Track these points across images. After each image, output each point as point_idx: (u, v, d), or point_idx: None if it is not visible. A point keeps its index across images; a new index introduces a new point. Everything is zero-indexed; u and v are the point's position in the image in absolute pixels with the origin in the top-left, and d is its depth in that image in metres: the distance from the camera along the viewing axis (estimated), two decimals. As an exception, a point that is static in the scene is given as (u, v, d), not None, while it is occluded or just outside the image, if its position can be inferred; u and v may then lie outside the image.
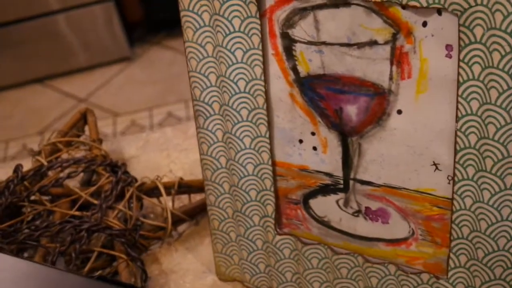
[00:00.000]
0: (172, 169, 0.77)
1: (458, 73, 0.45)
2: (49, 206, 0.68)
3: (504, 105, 0.44)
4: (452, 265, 0.53)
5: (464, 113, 0.46)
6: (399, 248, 0.55)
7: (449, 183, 0.50)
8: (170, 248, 0.69)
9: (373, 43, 0.48)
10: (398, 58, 0.47)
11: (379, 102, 0.50)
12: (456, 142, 0.48)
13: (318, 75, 0.51)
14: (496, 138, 0.46)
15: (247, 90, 0.54)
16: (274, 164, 0.57)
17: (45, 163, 0.70)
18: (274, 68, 0.53)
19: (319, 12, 0.49)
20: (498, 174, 0.47)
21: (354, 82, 0.50)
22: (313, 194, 0.57)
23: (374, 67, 0.48)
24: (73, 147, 0.74)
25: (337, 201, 0.56)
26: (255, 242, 0.61)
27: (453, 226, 0.51)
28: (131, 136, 0.83)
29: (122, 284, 0.38)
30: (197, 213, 0.70)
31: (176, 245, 0.69)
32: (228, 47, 0.52)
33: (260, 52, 0.52)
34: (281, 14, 0.50)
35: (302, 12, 0.49)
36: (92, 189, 0.68)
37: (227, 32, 0.52)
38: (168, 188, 0.70)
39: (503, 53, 0.43)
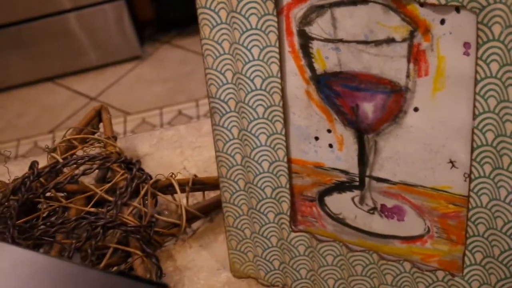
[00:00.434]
0: (185, 166, 0.77)
1: (476, 71, 0.45)
2: (64, 202, 0.68)
3: (521, 103, 0.44)
4: (467, 262, 0.53)
5: (481, 110, 0.46)
6: (415, 246, 0.55)
7: (465, 180, 0.50)
8: (184, 245, 0.69)
9: (390, 40, 0.48)
10: (415, 56, 0.47)
11: (395, 99, 0.50)
12: (473, 140, 0.48)
13: (335, 73, 0.51)
14: (513, 135, 0.46)
15: (263, 87, 0.54)
16: (289, 161, 0.57)
17: (61, 160, 0.71)
18: (290, 65, 0.53)
19: (337, 9, 0.49)
20: (515, 171, 0.47)
21: (371, 80, 0.50)
22: (328, 191, 0.57)
23: (391, 65, 0.49)
24: (88, 144, 0.75)
25: (352, 199, 0.56)
26: (270, 239, 0.61)
27: (469, 223, 0.51)
28: (145, 133, 0.83)
29: (140, 279, 0.38)
30: (211, 210, 0.71)
31: (190, 242, 0.69)
32: (245, 44, 0.53)
33: (277, 50, 0.52)
34: (298, 11, 0.51)
35: (319, 9, 0.49)
36: (107, 186, 0.69)
37: (244, 29, 0.52)
38: (182, 185, 0.70)
39: (521, 50, 0.43)
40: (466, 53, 0.46)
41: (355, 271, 0.58)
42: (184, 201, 0.69)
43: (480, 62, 0.45)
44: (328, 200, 0.57)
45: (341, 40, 0.50)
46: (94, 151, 0.74)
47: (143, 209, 0.66)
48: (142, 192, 0.67)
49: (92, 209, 0.67)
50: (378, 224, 0.56)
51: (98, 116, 0.78)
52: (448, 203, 0.52)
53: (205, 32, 0.54)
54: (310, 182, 0.57)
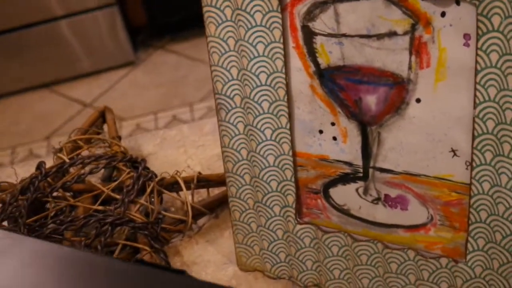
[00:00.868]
0: (189, 164, 0.78)
1: (476, 61, 0.47)
2: (72, 201, 0.69)
3: (521, 91, 0.46)
4: (470, 248, 0.54)
5: (481, 99, 0.48)
6: (418, 234, 0.57)
7: (467, 168, 0.52)
8: (190, 241, 0.70)
9: (392, 34, 0.49)
10: (417, 48, 0.49)
11: (398, 91, 0.51)
12: (474, 128, 0.49)
13: (338, 67, 0.53)
14: (513, 123, 0.47)
15: (268, 83, 0.56)
16: (294, 154, 0.58)
17: (67, 160, 0.72)
18: (295, 60, 0.55)
19: (340, 5, 0.50)
20: (516, 158, 0.48)
21: (373, 73, 0.52)
22: (333, 183, 0.58)
23: (393, 57, 0.50)
24: (93, 144, 0.76)
25: (356, 190, 0.58)
26: (275, 232, 0.62)
27: (471, 210, 0.52)
28: (148, 134, 0.85)
29: (159, 266, 0.40)
30: (216, 206, 0.72)
31: (196, 237, 0.71)
32: (250, 41, 0.54)
33: (281, 46, 0.54)
34: (301, 8, 0.52)
35: (322, 5, 0.51)
36: (114, 184, 0.70)
37: (249, 26, 0.54)
38: (187, 182, 0.71)
39: (520, 40, 0.44)
40: (466, 44, 0.47)
41: (360, 260, 0.59)
42: (189, 198, 0.71)
43: (480, 52, 0.46)
44: (333, 191, 0.59)
45: (344, 35, 0.51)
46: (99, 151, 0.76)
47: (150, 206, 0.67)
48: (148, 190, 0.69)
49: (100, 207, 0.68)
50: (382, 214, 0.57)
51: (102, 117, 0.80)
52: (451, 191, 0.54)
53: (210, 30, 0.55)
54: (315, 175, 0.59)
